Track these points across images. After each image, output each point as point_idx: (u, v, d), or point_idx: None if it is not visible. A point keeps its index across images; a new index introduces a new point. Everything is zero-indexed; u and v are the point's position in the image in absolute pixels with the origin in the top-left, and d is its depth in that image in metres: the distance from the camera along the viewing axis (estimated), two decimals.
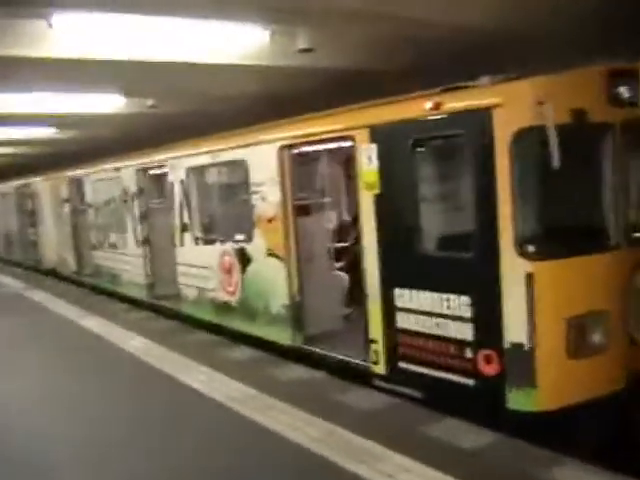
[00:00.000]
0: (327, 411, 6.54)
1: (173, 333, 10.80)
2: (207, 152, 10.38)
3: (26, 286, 17.77)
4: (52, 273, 19.53)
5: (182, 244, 11.34)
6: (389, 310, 6.89)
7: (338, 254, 9.74)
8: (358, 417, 6.41)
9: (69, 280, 18.09)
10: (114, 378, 8.52)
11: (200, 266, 10.76)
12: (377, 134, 6.91)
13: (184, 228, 11.22)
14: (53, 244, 19.35)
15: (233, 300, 9.88)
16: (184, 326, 11.26)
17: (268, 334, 9.08)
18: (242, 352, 9.18)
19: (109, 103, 12.31)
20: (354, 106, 7.45)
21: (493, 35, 7.75)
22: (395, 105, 6.88)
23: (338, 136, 7.70)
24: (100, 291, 15.68)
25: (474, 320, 6.03)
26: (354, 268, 9.71)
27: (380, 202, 6.94)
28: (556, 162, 5.38)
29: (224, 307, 10.14)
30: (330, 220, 9.96)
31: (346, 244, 10.28)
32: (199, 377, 8.05)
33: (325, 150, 9.36)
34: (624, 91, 5.92)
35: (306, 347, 8.49)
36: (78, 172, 16.76)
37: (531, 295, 5.61)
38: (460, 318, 6.13)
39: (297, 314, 8.55)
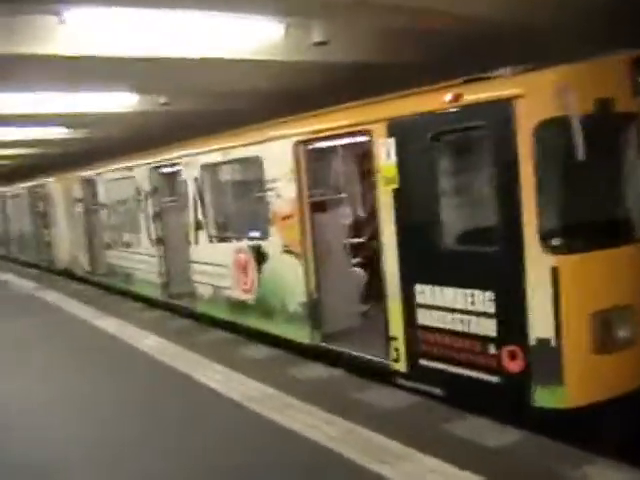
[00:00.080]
0: (346, 410, 6.43)
1: (188, 332, 10.73)
2: (221, 149, 10.30)
3: (39, 286, 17.77)
4: (65, 273, 19.51)
5: (197, 242, 11.26)
6: (410, 307, 6.77)
7: (354, 250, 9.64)
8: (378, 415, 6.29)
9: (82, 280, 18.07)
10: (129, 378, 8.43)
11: (215, 264, 10.68)
12: (395, 128, 6.80)
13: (198, 226, 11.14)
14: (66, 244, 19.34)
15: (249, 298, 9.79)
16: (199, 325, 11.18)
17: (285, 332, 8.98)
18: (259, 350, 9.09)
19: (121, 101, 12.25)
20: (370, 100, 7.34)
21: (501, 27, 7.62)
22: (413, 98, 6.76)
23: (354, 130, 7.59)
24: (114, 291, 15.64)
25: (498, 316, 5.91)
26: (370, 264, 9.66)
27: (399, 197, 6.82)
28: (580, 154, 5.26)
29: (240, 305, 10.05)
30: (346, 216, 9.87)
31: (362, 240, 10.19)
32: (215, 376, 7.96)
33: (339, 146, 9.26)
34: None
35: (324, 345, 8.38)
36: (90, 172, 16.72)
37: (557, 290, 5.49)
38: (483, 314, 6.01)
39: (314, 312, 8.45)
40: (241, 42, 8.12)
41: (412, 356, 6.85)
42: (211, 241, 10.90)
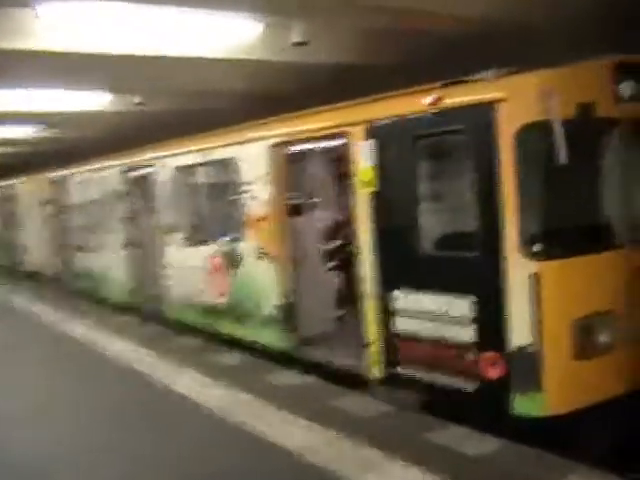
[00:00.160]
0: (324, 417, 6.30)
1: (160, 337, 10.55)
2: (195, 151, 10.13)
3: (7, 289, 17.42)
4: (35, 276, 19.15)
5: (169, 245, 11.06)
6: (386, 312, 6.66)
7: (329, 254, 9.53)
8: (356, 424, 6.16)
9: (52, 283, 17.73)
10: (97, 385, 8.23)
11: (187, 268, 10.49)
12: (373, 131, 6.70)
13: (171, 229, 10.95)
14: (36, 247, 19.00)
15: (222, 302, 9.62)
16: (171, 330, 10.97)
17: (259, 337, 8.83)
18: (232, 357, 8.93)
19: (95, 100, 12.01)
20: (349, 102, 7.23)
21: (485, 28, 7.55)
22: (392, 100, 6.66)
23: (332, 133, 7.48)
24: (84, 294, 15.35)
25: (477, 322, 5.82)
26: (345, 268, 9.56)
27: (377, 200, 6.71)
28: (562, 158, 5.20)
29: (213, 310, 9.88)
30: (321, 219, 9.76)
31: (337, 244, 10.09)
32: (188, 383, 7.80)
33: (314, 149, 9.16)
34: (626, 87, 5.76)
35: (299, 350, 8.24)
36: (61, 173, 16.42)
37: (537, 296, 5.41)
38: (462, 320, 5.92)
39: (289, 316, 8.31)
40: (218, 41, 7.95)
41: (388, 363, 6.74)
42: (184, 244, 10.71)
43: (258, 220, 8.59)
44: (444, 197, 6.48)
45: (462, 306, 5.90)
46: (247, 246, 8.93)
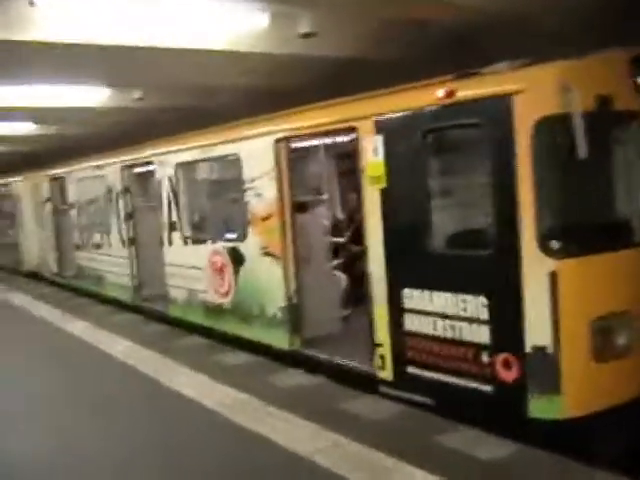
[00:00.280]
0: (331, 420, 6.11)
1: (162, 337, 10.35)
2: (197, 147, 9.95)
3: (6, 288, 17.24)
4: (34, 275, 18.97)
5: (170, 244, 10.88)
6: (397, 312, 6.48)
7: (334, 252, 9.36)
8: (365, 426, 5.99)
9: (51, 282, 17.55)
10: (99, 385, 8.05)
11: (190, 267, 10.31)
12: (383, 125, 6.51)
13: (172, 227, 10.76)
14: (34, 246, 18.84)
15: (226, 302, 9.43)
16: (173, 330, 10.78)
17: (263, 337, 8.64)
18: (236, 357, 8.73)
19: (93, 96, 11.81)
20: (357, 96, 7.05)
21: (493, 18, 7.38)
22: (403, 93, 6.48)
23: (340, 128, 7.30)
24: (84, 293, 15.16)
25: (491, 322, 5.64)
26: (351, 267, 9.40)
27: (387, 197, 6.52)
28: (582, 152, 5.02)
29: (216, 310, 9.69)
30: (326, 217, 9.59)
31: (342, 242, 9.93)
32: (191, 383, 7.61)
33: (318, 145, 8.98)
34: None
35: (305, 351, 8.06)
36: (60, 170, 16.24)
37: (555, 295, 5.23)
38: (476, 320, 5.74)
39: (294, 316, 8.13)
40: (222, 32, 7.73)
41: (399, 364, 6.55)
42: (186, 243, 10.54)
43: (263, 218, 8.41)
44: (457, 193, 6.31)
45: (476, 305, 5.72)
46: (251, 245, 8.74)
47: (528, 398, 5.43)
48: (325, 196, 9.68)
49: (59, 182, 16.31)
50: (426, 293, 6.15)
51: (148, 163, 11.54)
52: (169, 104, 12.19)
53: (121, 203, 12.66)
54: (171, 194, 10.68)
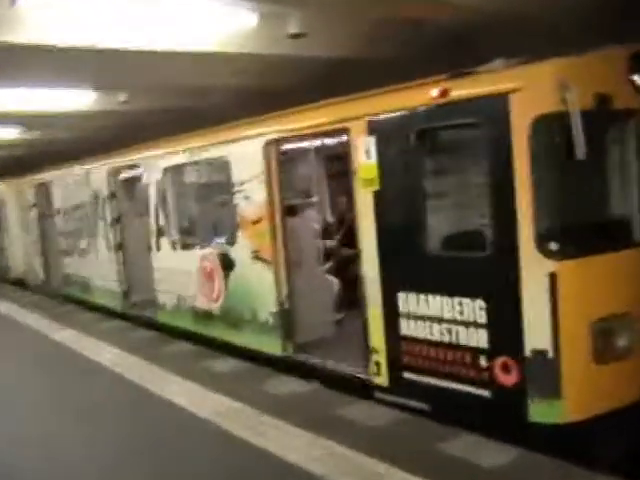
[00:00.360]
0: (326, 427, 5.97)
1: (150, 344, 10.18)
2: (184, 151, 9.80)
3: None
4: (19, 283, 18.73)
5: (158, 249, 10.71)
6: (392, 316, 6.35)
7: (325, 256, 9.24)
8: (361, 433, 5.86)
9: (37, 290, 17.31)
10: (87, 394, 7.87)
11: (178, 272, 10.14)
12: (376, 125, 6.39)
13: (160, 232, 10.60)
14: (20, 253, 18.61)
15: (215, 308, 9.28)
16: (162, 336, 10.62)
17: (254, 343, 8.49)
18: (226, 363, 8.56)
19: (78, 100, 11.61)
20: (349, 96, 6.92)
21: (490, 17, 7.28)
22: (395, 93, 6.35)
23: (331, 129, 7.17)
24: (71, 300, 14.96)
25: (489, 326, 5.53)
26: (343, 270, 9.29)
27: (380, 200, 6.40)
28: (581, 152, 4.92)
29: (205, 315, 9.53)
30: (317, 220, 9.47)
31: (333, 245, 9.82)
32: (181, 391, 7.45)
33: (307, 148, 8.87)
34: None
35: (297, 357, 7.92)
36: (44, 176, 16.05)
37: (555, 297, 5.13)
38: (473, 324, 5.63)
39: (286, 321, 7.98)
40: (209, 32, 7.57)
41: (395, 369, 6.43)
42: (174, 248, 10.38)
43: (253, 222, 8.26)
44: (453, 194, 6.20)
45: (473, 308, 5.61)
46: (241, 249, 8.59)
47: (528, 402, 5.33)
48: (315, 199, 9.58)
49: (44, 187, 16.11)
50: (422, 296, 6.03)
51: (135, 167, 11.38)
52: (157, 106, 12.01)
53: (108, 208, 12.47)
54: (159, 199, 10.53)
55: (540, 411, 5.29)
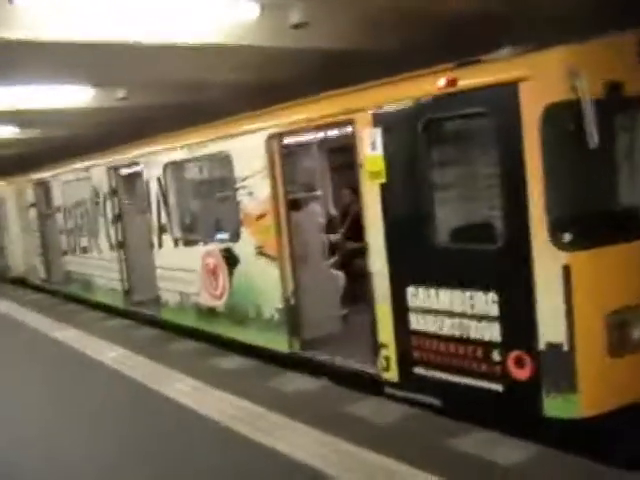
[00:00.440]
0: (335, 425, 5.87)
1: (154, 342, 10.08)
2: (185, 146, 9.68)
3: None
4: (20, 282, 18.64)
5: (160, 246, 10.61)
6: (401, 311, 6.24)
7: (329, 250, 9.14)
8: (371, 431, 5.76)
9: (38, 289, 17.22)
10: (92, 395, 7.78)
11: (181, 269, 10.04)
12: (381, 117, 6.27)
13: (162, 229, 10.49)
14: (20, 252, 18.53)
15: (220, 305, 9.17)
16: (166, 334, 10.52)
17: (260, 340, 8.39)
18: (232, 361, 8.45)
19: (76, 97, 11.47)
20: (353, 87, 6.80)
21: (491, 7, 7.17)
22: (402, 84, 6.23)
23: (336, 121, 7.06)
24: (72, 299, 14.86)
25: (502, 319, 5.42)
26: (348, 264, 9.20)
27: (387, 192, 6.28)
28: (592, 141, 4.81)
29: (209, 312, 9.43)
30: (321, 214, 9.36)
31: (337, 239, 9.73)
32: (187, 390, 7.35)
33: (314, 139, 8.75)
34: None
35: (304, 353, 7.81)
36: (44, 174, 15.93)
37: (569, 289, 5.02)
38: (486, 317, 5.52)
39: (293, 318, 7.88)
40: (210, 24, 7.43)
41: (405, 364, 6.32)
42: (176, 244, 10.27)
43: (256, 217, 8.15)
44: (463, 185, 6.08)
45: (485, 302, 5.50)
46: (245, 245, 8.48)
47: (542, 397, 5.23)
48: (319, 192, 9.47)
49: (44, 186, 16.01)
50: (432, 290, 5.92)
51: (135, 164, 11.27)
52: (157, 102, 11.86)
53: (108, 206, 12.36)
54: (160, 195, 10.42)
55: (555, 406, 5.19)
